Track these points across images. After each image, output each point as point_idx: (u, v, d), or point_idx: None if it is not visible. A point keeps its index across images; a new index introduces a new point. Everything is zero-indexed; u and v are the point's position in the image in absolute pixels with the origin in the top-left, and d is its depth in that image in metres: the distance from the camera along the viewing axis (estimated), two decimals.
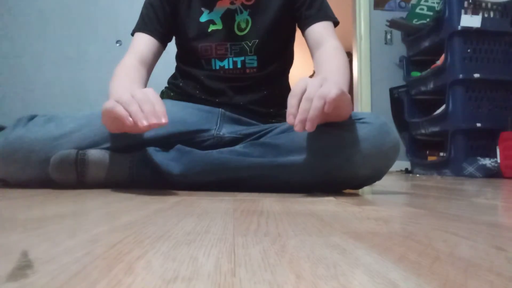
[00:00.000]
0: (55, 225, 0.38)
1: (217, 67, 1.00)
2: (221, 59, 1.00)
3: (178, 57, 1.09)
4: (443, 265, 0.26)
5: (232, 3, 0.99)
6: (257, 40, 0.99)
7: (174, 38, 1.08)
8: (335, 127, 0.77)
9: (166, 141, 0.89)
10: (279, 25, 1.00)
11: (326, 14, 0.99)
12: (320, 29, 0.97)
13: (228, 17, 0.99)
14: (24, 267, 0.23)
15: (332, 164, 0.77)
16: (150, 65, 0.99)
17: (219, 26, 1.00)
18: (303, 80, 0.67)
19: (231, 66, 0.99)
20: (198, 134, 0.93)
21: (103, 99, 0.75)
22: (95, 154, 0.83)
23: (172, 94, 1.06)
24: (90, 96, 2.63)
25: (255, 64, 1.00)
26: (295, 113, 0.64)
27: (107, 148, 0.86)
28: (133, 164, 0.85)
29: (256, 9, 0.99)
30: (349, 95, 0.73)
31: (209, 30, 1.00)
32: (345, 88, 0.81)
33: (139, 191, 0.80)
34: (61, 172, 0.81)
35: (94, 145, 0.85)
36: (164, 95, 1.08)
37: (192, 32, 1.01)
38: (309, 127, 0.63)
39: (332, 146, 0.77)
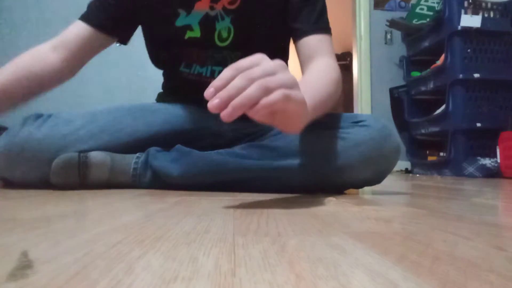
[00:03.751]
0: (55, 225, 0.38)
1: (195, 72, 0.92)
2: (202, 66, 0.91)
3: (154, 61, 0.99)
4: (443, 265, 0.26)
5: (211, 7, 0.86)
6: (240, 53, 0.88)
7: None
8: (334, 130, 0.76)
9: (167, 139, 0.89)
10: (267, 35, 0.90)
11: (323, 26, 0.87)
12: (314, 43, 0.85)
13: (207, 24, 0.87)
14: (24, 267, 0.23)
15: (331, 168, 0.76)
16: (74, 52, 0.88)
17: (196, 34, 0.88)
18: (262, 56, 0.49)
19: (208, 75, 0.91)
20: (198, 131, 0.93)
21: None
22: (97, 156, 0.83)
23: (167, 99, 1.03)
24: (90, 96, 2.63)
25: None
26: (221, 86, 0.45)
27: (111, 147, 0.86)
28: (137, 166, 0.85)
29: (240, 15, 0.87)
30: (308, 115, 0.56)
31: (186, 37, 0.88)
32: (316, 110, 0.63)
33: (139, 191, 0.80)
34: (63, 177, 0.80)
35: (99, 142, 0.85)
36: (160, 98, 1.06)
37: (165, 37, 0.90)
38: (227, 114, 0.44)
39: (331, 150, 0.76)
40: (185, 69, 0.93)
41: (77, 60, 0.90)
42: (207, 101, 0.45)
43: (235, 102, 0.44)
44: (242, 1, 0.86)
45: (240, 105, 0.44)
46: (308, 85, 0.66)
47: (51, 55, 0.88)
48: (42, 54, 0.88)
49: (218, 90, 0.45)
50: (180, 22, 0.88)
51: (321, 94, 0.68)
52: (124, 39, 0.94)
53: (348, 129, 0.76)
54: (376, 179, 0.81)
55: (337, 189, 0.83)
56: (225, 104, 0.44)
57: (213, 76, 0.91)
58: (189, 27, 0.88)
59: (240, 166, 0.80)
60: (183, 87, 0.96)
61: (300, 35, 0.86)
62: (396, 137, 0.79)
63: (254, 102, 0.45)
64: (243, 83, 0.45)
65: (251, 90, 0.44)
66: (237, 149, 0.84)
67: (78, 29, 0.88)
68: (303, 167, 0.77)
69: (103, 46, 0.93)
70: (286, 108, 0.48)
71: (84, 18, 0.89)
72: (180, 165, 0.83)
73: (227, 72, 0.46)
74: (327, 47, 0.85)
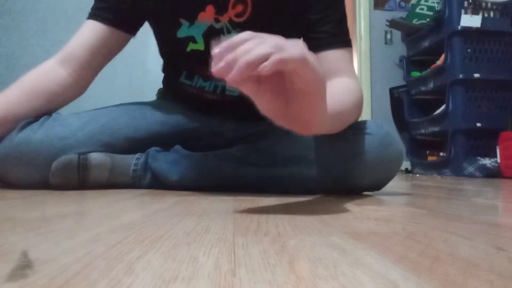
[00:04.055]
0: (55, 225, 0.38)
1: (197, 85, 0.90)
2: (205, 80, 0.89)
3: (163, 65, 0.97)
4: (443, 265, 0.26)
5: (216, 20, 0.82)
6: None
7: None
8: (334, 138, 0.73)
9: (167, 138, 0.89)
10: None
11: (343, 40, 0.80)
12: (335, 59, 0.78)
13: (212, 37, 0.80)
14: (24, 267, 0.23)
15: (330, 177, 0.75)
16: (84, 64, 0.85)
17: (200, 47, 0.84)
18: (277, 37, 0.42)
19: (211, 89, 0.89)
20: (198, 131, 0.92)
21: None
22: (97, 158, 0.82)
23: (167, 96, 1.02)
24: (90, 96, 2.63)
25: (237, 93, 0.86)
26: (228, 49, 0.40)
27: (110, 147, 0.85)
28: (137, 167, 0.85)
29: (249, 28, 0.81)
30: (325, 115, 0.50)
31: (188, 49, 0.84)
32: (337, 119, 0.60)
33: (139, 191, 0.80)
34: (62, 179, 0.80)
35: (98, 143, 0.84)
36: (161, 95, 1.05)
37: (167, 47, 0.89)
38: (232, 77, 0.39)
39: (332, 159, 0.74)
40: (186, 80, 0.91)
41: (88, 73, 0.87)
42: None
43: (241, 60, 0.38)
44: (251, 13, 0.81)
45: (246, 63, 0.38)
46: (329, 94, 0.51)
47: (61, 71, 0.85)
48: (51, 72, 0.85)
49: (225, 54, 0.40)
50: (182, 33, 0.84)
51: (342, 104, 0.62)
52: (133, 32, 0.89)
53: (349, 137, 0.74)
54: (376, 186, 0.79)
55: (335, 193, 0.83)
56: (231, 67, 0.39)
57: (216, 90, 0.89)
58: (192, 39, 0.84)
59: (238, 173, 0.79)
60: (183, 97, 0.94)
61: (318, 48, 0.78)
62: (398, 144, 0.76)
63: (263, 60, 0.38)
64: (254, 46, 0.39)
65: (262, 48, 0.39)
66: (235, 150, 0.83)
67: (89, 34, 0.84)
68: (303, 176, 0.76)
69: (118, 46, 0.87)
70: (301, 77, 0.41)
71: (95, 16, 0.84)
72: (179, 169, 0.82)
73: (236, 38, 0.40)
74: (348, 66, 0.79)
